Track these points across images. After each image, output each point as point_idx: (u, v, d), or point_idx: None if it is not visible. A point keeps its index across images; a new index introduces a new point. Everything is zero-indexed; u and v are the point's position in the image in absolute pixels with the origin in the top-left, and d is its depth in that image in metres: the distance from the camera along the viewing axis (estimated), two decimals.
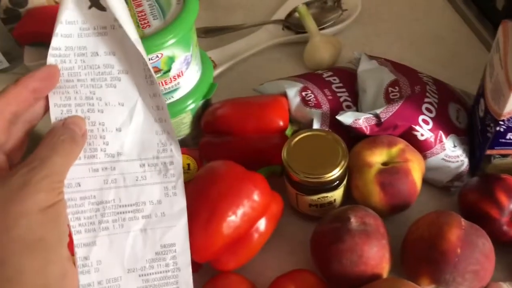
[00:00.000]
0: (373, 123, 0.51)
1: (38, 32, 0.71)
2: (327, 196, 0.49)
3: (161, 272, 0.40)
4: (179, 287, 0.40)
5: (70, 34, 0.38)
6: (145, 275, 0.40)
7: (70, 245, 0.37)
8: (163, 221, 0.40)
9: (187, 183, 0.55)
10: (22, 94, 0.36)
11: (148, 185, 0.40)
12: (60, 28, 0.38)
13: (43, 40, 0.72)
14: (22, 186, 0.32)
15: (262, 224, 0.47)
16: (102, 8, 0.38)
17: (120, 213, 0.39)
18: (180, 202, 0.41)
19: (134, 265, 0.39)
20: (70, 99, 0.38)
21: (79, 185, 0.38)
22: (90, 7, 0.38)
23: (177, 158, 0.41)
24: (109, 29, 0.39)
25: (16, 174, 0.33)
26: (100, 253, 0.39)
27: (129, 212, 0.40)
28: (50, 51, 0.38)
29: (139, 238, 0.40)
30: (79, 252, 0.38)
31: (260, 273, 0.50)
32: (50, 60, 0.38)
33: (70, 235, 0.37)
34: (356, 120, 0.51)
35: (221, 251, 0.46)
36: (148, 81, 0.40)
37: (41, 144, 0.35)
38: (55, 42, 0.38)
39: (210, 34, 0.72)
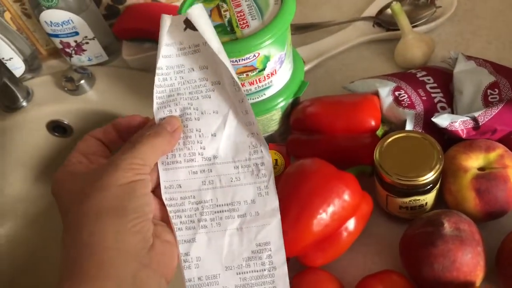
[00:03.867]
0: (470, 126, 0.50)
1: (135, 28, 0.76)
2: (419, 199, 0.48)
3: (257, 271, 0.41)
4: (276, 286, 0.41)
5: (170, 55, 0.42)
6: (242, 273, 0.41)
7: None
8: (258, 219, 0.41)
9: (276, 178, 0.56)
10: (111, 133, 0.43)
11: (242, 185, 0.42)
12: (161, 50, 0.42)
13: (140, 36, 0.77)
14: (107, 166, 0.38)
15: (351, 223, 0.48)
16: (195, 28, 0.41)
17: (217, 212, 0.41)
18: (272, 201, 0.42)
19: (231, 263, 0.41)
20: (171, 112, 0.42)
21: (180, 187, 0.41)
22: (185, 29, 0.42)
23: (267, 159, 0.42)
24: (202, 46, 0.42)
25: (114, 157, 0.39)
26: (199, 250, 0.41)
27: (225, 211, 0.41)
28: (156, 70, 0.42)
29: (236, 237, 0.41)
30: (181, 248, 0.41)
31: (345, 271, 0.51)
32: (156, 78, 0.42)
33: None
34: (452, 122, 0.49)
35: (309, 247, 0.47)
36: (236, 88, 0.42)
37: (132, 137, 0.41)
38: (158, 63, 0.42)
39: (299, 31, 0.73)
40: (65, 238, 0.37)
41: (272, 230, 0.41)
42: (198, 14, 0.41)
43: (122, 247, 0.36)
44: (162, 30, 0.41)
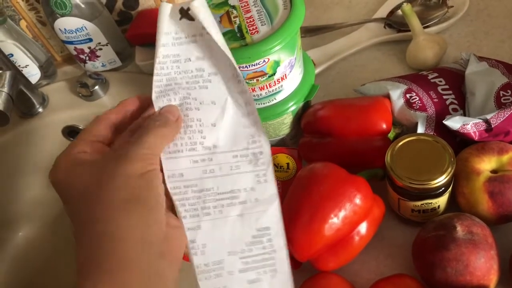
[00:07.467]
0: (482, 128, 0.49)
1: (148, 34, 0.76)
2: (431, 203, 0.48)
3: (259, 254, 0.43)
4: (276, 268, 0.42)
5: (166, 43, 0.42)
6: (245, 257, 0.42)
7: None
8: (257, 206, 0.43)
9: (287, 182, 0.57)
10: (123, 110, 0.42)
11: (241, 173, 0.43)
12: (159, 39, 0.42)
13: (152, 41, 0.76)
14: (124, 155, 0.37)
15: (363, 227, 0.48)
16: (191, 18, 0.42)
17: (219, 200, 0.43)
18: (271, 188, 0.43)
19: (234, 248, 0.42)
20: (170, 101, 0.43)
21: (182, 175, 0.42)
22: (181, 19, 0.42)
23: (266, 148, 0.43)
24: (198, 36, 0.43)
25: (119, 147, 0.39)
26: (204, 237, 0.42)
27: (226, 199, 0.43)
28: (155, 59, 0.43)
29: (238, 223, 0.43)
30: (187, 235, 0.42)
31: (358, 274, 0.51)
32: (155, 67, 0.42)
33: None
34: (464, 125, 0.49)
35: (321, 251, 0.48)
36: (235, 80, 0.43)
37: (140, 127, 0.41)
38: (157, 52, 0.42)
39: (310, 33, 0.73)
40: (80, 232, 0.36)
41: (271, 216, 0.43)
42: (199, 5, 0.42)
43: (147, 238, 0.36)
44: (160, 18, 0.42)
